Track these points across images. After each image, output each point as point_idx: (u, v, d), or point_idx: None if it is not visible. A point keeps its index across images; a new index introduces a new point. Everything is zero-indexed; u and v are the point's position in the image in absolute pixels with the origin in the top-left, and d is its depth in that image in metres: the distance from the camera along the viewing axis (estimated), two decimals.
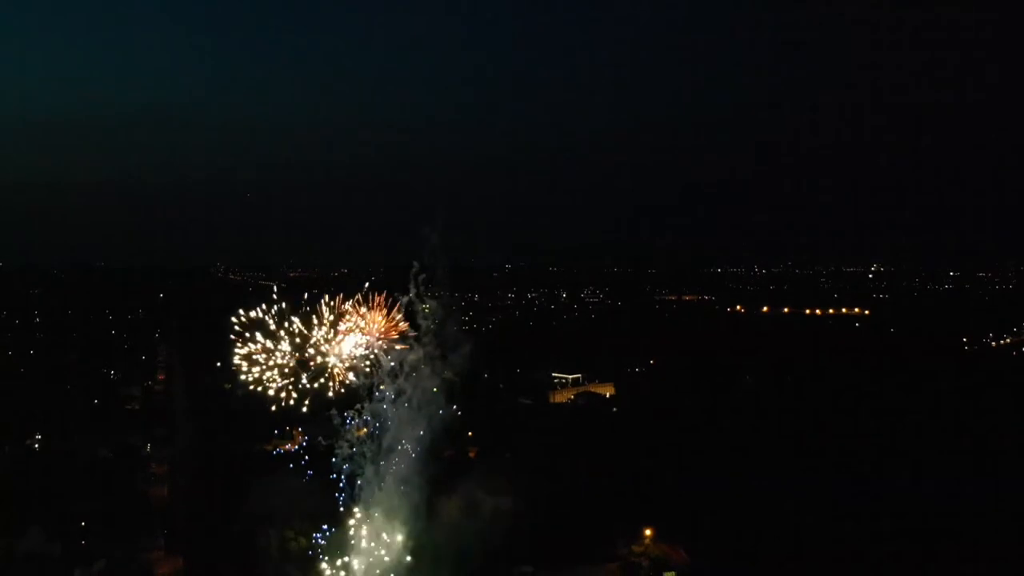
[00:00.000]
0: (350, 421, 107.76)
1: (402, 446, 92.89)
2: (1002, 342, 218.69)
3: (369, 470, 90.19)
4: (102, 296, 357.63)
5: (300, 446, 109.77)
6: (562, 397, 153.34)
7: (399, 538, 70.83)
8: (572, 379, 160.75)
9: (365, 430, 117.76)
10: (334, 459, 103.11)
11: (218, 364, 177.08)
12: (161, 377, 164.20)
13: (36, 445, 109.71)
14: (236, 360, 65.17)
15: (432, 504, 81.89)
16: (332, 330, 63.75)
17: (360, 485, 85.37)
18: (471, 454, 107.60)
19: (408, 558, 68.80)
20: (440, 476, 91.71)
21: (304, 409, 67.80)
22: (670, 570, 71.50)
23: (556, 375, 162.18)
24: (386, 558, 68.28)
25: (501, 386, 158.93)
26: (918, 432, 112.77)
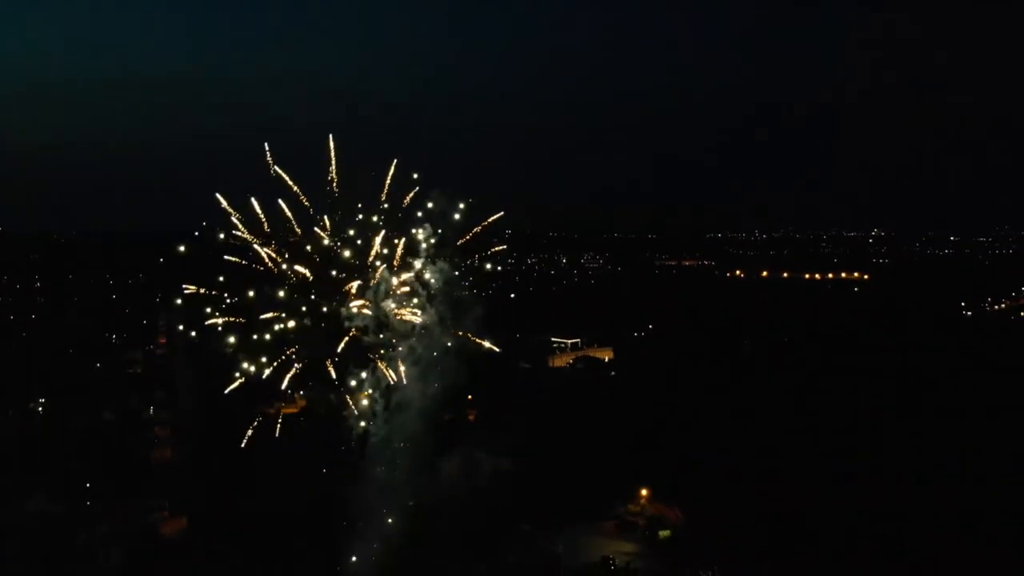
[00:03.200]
0: (357, 381, 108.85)
1: (406, 408, 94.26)
2: (999, 306, 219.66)
3: (373, 431, 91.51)
4: (102, 261, 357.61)
5: (303, 408, 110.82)
6: (561, 361, 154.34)
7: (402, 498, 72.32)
8: (571, 344, 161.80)
9: (369, 392, 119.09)
10: (339, 420, 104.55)
11: (219, 329, 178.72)
12: (162, 341, 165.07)
13: (40, 409, 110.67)
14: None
15: (434, 464, 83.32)
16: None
17: (364, 446, 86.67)
18: (471, 417, 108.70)
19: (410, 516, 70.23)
20: (441, 437, 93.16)
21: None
22: (665, 528, 72.79)
23: (555, 339, 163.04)
24: (389, 519, 69.56)
25: (500, 350, 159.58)
26: (918, 399, 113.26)
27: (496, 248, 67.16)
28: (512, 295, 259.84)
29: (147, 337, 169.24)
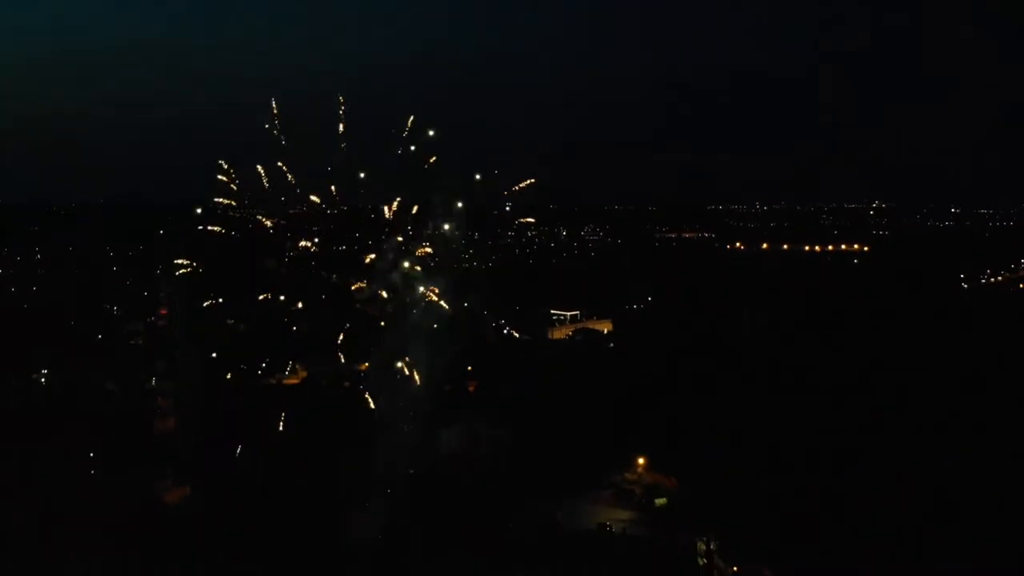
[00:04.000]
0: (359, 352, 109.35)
1: (408, 379, 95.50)
2: (997, 279, 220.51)
3: (374, 401, 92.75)
4: (102, 232, 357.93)
5: (304, 380, 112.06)
6: (560, 333, 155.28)
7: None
8: (570, 316, 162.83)
9: (367, 364, 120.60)
10: (340, 391, 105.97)
11: (219, 301, 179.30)
12: (163, 312, 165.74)
13: (42, 379, 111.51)
14: None
15: (434, 434, 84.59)
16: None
17: (365, 415, 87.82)
18: (470, 388, 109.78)
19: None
20: (442, 408, 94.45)
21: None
22: (662, 496, 73.92)
23: (554, 312, 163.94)
24: (388, 489, 70.63)
25: (502, 322, 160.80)
26: (916, 374, 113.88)
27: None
28: (518, 267, 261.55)
29: (148, 308, 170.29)
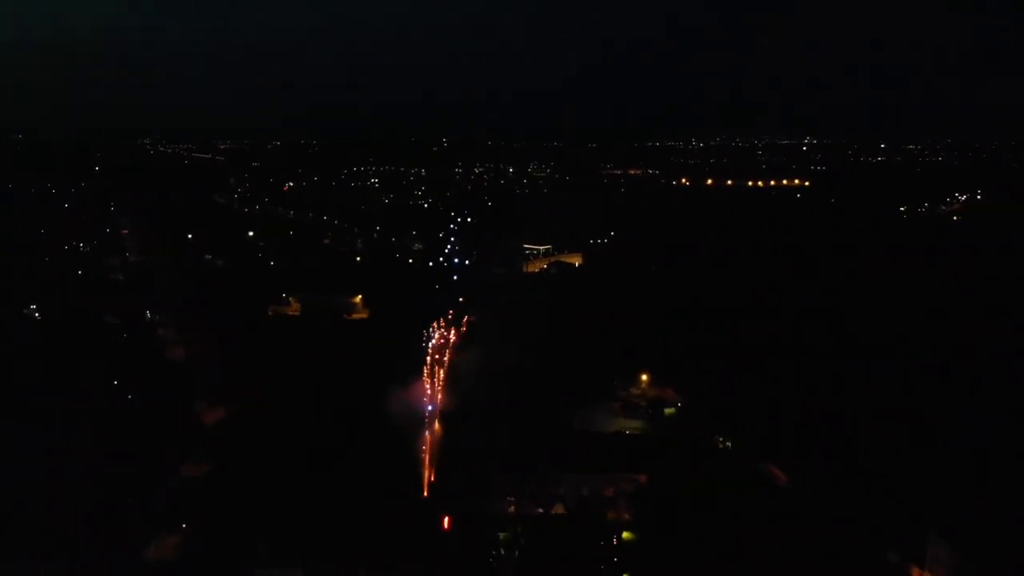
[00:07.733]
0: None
1: (403, 309, 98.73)
2: (938, 211, 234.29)
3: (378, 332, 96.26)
4: (34, 169, 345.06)
5: (302, 312, 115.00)
6: (535, 266, 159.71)
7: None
8: (543, 250, 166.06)
9: (360, 297, 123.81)
10: (343, 321, 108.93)
11: (189, 236, 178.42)
12: (139, 248, 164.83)
13: (37, 314, 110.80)
14: None
15: (447, 364, 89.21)
16: None
17: (373, 344, 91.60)
18: (469, 318, 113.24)
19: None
20: (445, 341, 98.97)
21: None
22: (669, 407, 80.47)
23: (527, 246, 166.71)
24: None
25: (475, 255, 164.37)
26: (876, 291, 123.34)
27: None
28: (473, 203, 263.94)
29: (116, 246, 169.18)
